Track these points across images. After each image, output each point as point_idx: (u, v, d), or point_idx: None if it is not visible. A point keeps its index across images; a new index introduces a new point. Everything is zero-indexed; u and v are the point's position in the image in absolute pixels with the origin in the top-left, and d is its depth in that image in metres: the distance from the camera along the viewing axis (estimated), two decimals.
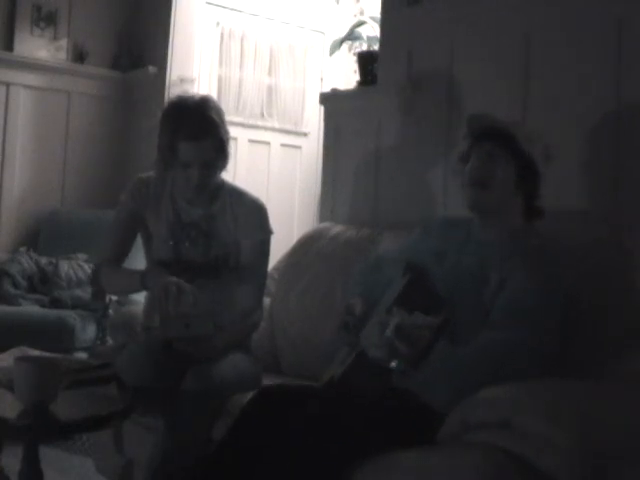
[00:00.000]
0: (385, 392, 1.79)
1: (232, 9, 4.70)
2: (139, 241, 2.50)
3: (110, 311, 3.44)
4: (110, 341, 3.06)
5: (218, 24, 4.67)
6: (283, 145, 4.95)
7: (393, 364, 1.72)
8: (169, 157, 2.30)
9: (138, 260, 2.55)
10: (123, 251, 2.46)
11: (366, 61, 3.11)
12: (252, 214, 2.41)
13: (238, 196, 2.44)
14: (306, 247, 2.87)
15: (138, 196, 2.42)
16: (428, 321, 1.67)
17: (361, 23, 3.58)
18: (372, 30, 3.43)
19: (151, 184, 2.43)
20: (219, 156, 2.32)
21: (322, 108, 3.38)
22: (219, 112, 2.33)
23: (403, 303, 1.77)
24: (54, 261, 3.85)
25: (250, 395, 2.02)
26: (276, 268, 2.87)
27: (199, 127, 2.25)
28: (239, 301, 2.36)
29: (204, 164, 2.28)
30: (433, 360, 1.68)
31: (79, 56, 4.44)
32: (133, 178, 2.50)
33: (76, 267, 3.83)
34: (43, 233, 4.22)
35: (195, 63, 4.50)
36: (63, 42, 4.40)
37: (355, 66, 3.33)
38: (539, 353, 1.75)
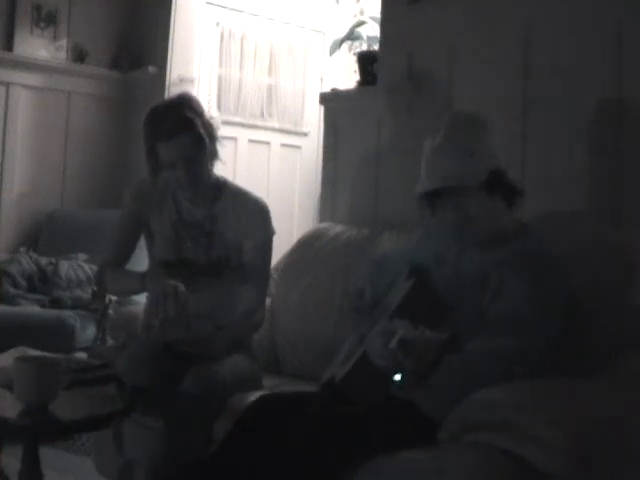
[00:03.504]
0: (386, 399, 1.78)
1: (232, 9, 4.70)
2: (142, 242, 2.51)
3: (110, 311, 3.44)
4: (110, 341, 3.06)
5: (218, 24, 4.67)
6: (283, 145, 4.95)
7: (397, 377, 1.70)
8: (153, 161, 2.32)
9: (141, 261, 2.55)
10: (125, 252, 2.47)
11: (366, 61, 3.11)
12: (254, 214, 2.41)
13: (241, 196, 2.44)
14: (306, 247, 2.87)
15: (141, 197, 2.43)
16: (434, 337, 1.65)
17: (361, 23, 3.57)
18: (372, 30, 3.43)
19: (153, 186, 2.43)
20: (200, 150, 2.32)
21: (322, 108, 3.38)
22: (194, 108, 2.33)
23: (406, 309, 1.76)
24: (54, 261, 3.85)
25: (250, 395, 2.03)
26: (276, 268, 2.87)
27: (172, 125, 2.26)
28: (241, 301, 2.36)
29: (186, 160, 2.28)
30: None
31: (79, 56, 4.44)
32: (136, 179, 2.51)
33: (76, 267, 3.83)
34: (43, 233, 4.21)
35: (195, 63, 4.50)
36: (63, 42, 4.41)
37: (355, 66, 3.33)
38: (540, 358, 1.75)
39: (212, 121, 2.38)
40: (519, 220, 1.96)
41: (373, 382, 1.78)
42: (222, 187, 2.44)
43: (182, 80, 4.37)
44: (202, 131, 2.31)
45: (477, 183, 1.83)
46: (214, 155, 2.39)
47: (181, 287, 2.15)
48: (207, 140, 2.32)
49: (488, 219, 1.89)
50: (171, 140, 2.26)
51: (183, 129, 2.27)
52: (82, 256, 3.92)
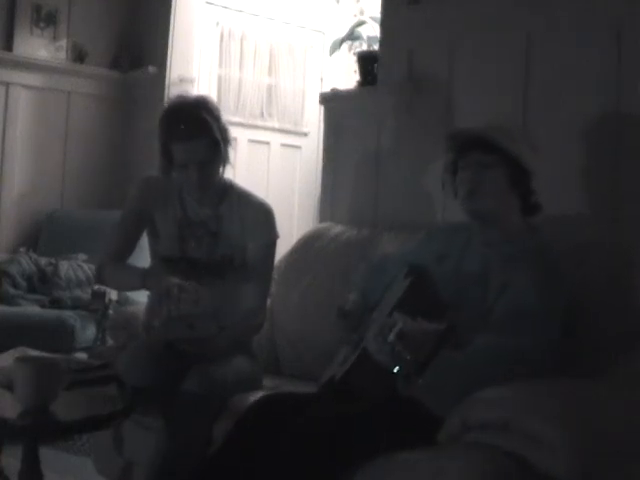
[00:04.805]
0: (387, 397, 1.78)
1: (232, 9, 4.70)
2: (143, 239, 2.50)
3: (110, 311, 3.44)
4: (110, 341, 3.06)
5: (218, 24, 4.67)
6: (283, 145, 4.95)
7: (396, 369, 1.70)
8: (166, 159, 2.32)
9: (142, 258, 2.54)
10: (127, 248, 2.46)
11: (366, 61, 3.11)
12: (259, 216, 2.41)
13: (246, 198, 2.44)
14: (306, 247, 2.87)
15: (147, 193, 2.43)
16: (432, 327, 1.65)
17: (361, 23, 3.58)
18: (372, 30, 3.44)
19: (159, 183, 2.43)
20: (215, 154, 2.32)
21: (322, 108, 3.38)
22: (212, 111, 2.33)
23: (405, 306, 1.76)
24: (54, 261, 3.85)
25: (251, 396, 2.03)
26: (276, 268, 2.87)
27: (190, 128, 2.26)
28: (243, 302, 2.36)
29: (200, 163, 2.28)
30: (435, 366, 1.67)
31: (79, 56, 4.43)
32: (142, 176, 2.52)
33: (76, 267, 3.83)
34: (43, 233, 4.21)
35: (195, 63, 4.50)
36: (63, 42, 4.40)
37: (355, 66, 3.33)
38: (541, 358, 1.75)
39: (227, 125, 2.37)
40: (528, 222, 1.96)
41: (374, 379, 1.78)
42: (228, 188, 2.44)
43: (182, 80, 4.37)
44: (218, 135, 2.30)
45: (503, 153, 1.86)
46: (227, 160, 2.39)
47: (185, 284, 2.14)
48: (222, 145, 2.32)
49: (499, 204, 1.90)
50: (187, 142, 2.25)
51: (199, 132, 2.26)
52: (82, 256, 3.92)
